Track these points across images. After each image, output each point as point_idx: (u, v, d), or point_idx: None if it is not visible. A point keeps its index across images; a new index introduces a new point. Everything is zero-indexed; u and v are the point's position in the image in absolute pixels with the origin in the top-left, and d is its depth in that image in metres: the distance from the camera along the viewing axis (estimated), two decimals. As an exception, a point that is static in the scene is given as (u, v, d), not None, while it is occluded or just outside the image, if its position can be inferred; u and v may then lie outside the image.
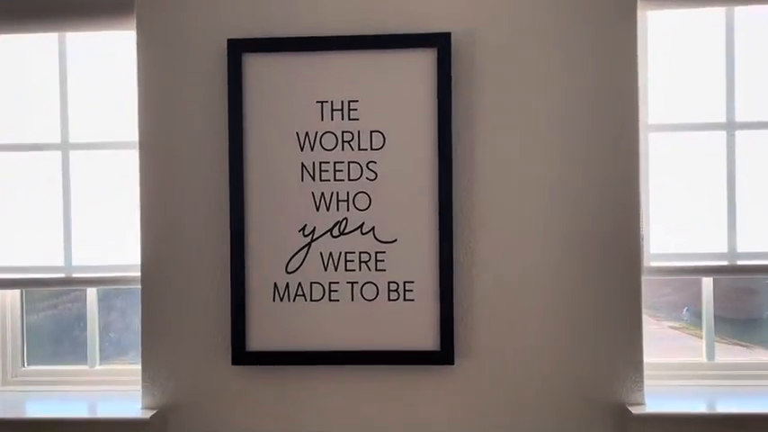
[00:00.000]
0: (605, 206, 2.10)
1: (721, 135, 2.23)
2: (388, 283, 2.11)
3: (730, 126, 2.22)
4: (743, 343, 2.35)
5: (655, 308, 2.35)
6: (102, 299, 2.40)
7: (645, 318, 2.13)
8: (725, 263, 2.22)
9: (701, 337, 2.30)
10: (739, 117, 2.22)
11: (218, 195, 2.14)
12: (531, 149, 2.12)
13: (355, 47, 2.09)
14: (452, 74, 2.09)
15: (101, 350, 2.39)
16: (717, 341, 2.29)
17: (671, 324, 2.38)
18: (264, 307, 2.12)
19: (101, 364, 2.39)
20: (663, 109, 2.23)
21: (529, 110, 2.11)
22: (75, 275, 2.31)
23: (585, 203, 2.10)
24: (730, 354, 2.32)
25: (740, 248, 2.22)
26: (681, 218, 2.23)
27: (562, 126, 2.11)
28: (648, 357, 2.13)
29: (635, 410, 2.05)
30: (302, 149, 2.12)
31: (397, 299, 2.10)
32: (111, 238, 2.30)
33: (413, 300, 2.10)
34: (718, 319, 2.29)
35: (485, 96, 2.12)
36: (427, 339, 2.09)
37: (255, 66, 2.11)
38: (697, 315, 2.32)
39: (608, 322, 2.11)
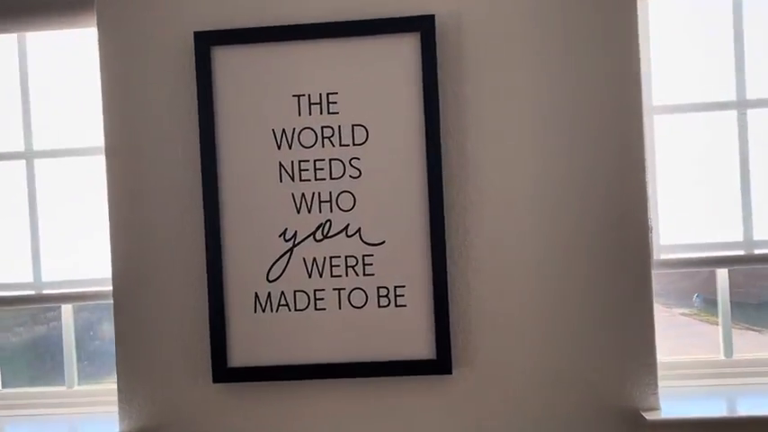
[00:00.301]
0: (610, 197, 2.04)
1: (732, 114, 2.19)
2: (378, 288, 2.04)
3: (741, 105, 2.18)
4: (755, 328, 2.32)
5: (664, 295, 2.30)
6: (84, 310, 2.36)
7: (655, 307, 2.06)
8: (741, 252, 2.18)
9: (714, 324, 2.24)
10: (751, 94, 2.18)
11: (192, 200, 2.08)
12: (526, 139, 2.05)
13: (332, 35, 2.04)
14: (438, 60, 2.03)
15: (86, 368, 2.34)
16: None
17: (681, 311, 2.36)
18: (245, 319, 2.06)
19: (83, 383, 2.34)
20: (668, 89, 2.18)
21: (523, 97, 2.05)
22: (45, 292, 2.29)
23: (588, 195, 2.04)
24: (742, 339, 2.26)
25: (757, 236, 2.17)
26: (691, 205, 2.19)
27: (560, 113, 2.05)
28: (660, 348, 2.05)
29: (649, 416, 1.99)
30: (279, 147, 2.05)
31: (388, 305, 2.04)
32: (83, 251, 2.26)
33: (405, 305, 2.04)
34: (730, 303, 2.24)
35: (475, 84, 2.05)
36: (422, 347, 2.03)
37: (225, 59, 2.05)
38: (707, 301, 2.29)
39: (617, 322, 2.04)
